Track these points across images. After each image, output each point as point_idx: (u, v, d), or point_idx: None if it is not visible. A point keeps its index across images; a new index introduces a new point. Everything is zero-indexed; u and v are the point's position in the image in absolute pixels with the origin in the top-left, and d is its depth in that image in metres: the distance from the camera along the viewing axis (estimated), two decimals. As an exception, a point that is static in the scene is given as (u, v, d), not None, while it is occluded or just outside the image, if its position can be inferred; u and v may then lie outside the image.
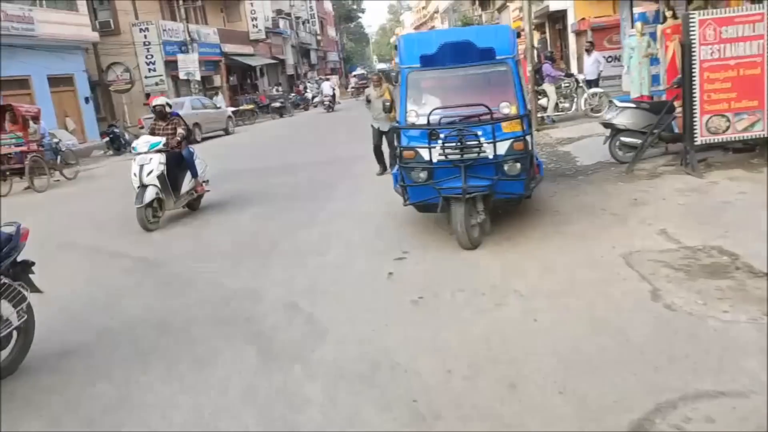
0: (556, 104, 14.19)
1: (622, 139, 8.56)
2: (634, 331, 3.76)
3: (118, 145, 20.37)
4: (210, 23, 33.77)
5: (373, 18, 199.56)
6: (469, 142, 5.50)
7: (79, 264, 6.92)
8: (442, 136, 5.56)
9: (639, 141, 8.32)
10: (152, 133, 8.57)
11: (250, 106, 30.65)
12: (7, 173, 13.35)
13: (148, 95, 26.45)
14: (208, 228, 8.02)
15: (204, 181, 9.11)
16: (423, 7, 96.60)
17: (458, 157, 5.53)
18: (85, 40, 22.87)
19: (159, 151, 8.07)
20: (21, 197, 12.71)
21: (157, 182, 7.92)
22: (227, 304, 5.12)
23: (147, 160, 7.99)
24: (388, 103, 7.61)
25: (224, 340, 4.36)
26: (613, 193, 7.21)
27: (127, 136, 21.02)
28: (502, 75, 5.98)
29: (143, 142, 8.26)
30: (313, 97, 37.37)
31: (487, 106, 5.58)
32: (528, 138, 5.67)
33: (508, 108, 5.69)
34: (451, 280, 5.00)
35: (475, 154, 5.52)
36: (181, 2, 28.82)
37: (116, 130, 20.82)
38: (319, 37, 58.76)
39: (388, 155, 9.94)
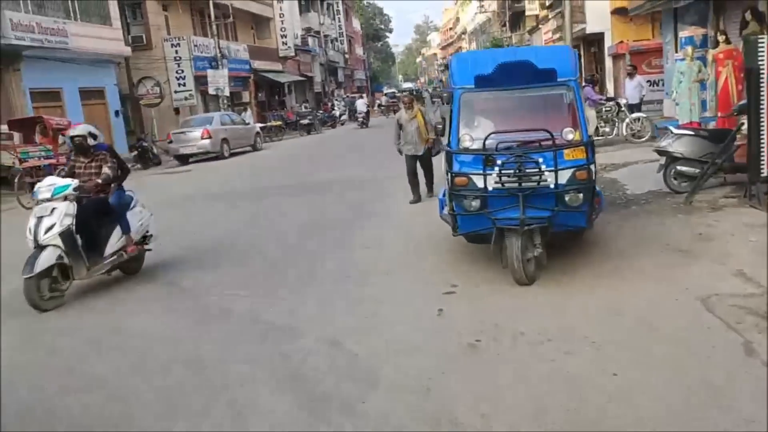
0: (597, 128, 13.71)
1: (679, 167, 8.06)
2: (735, 395, 3.26)
3: (146, 158, 20.38)
4: (240, 40, 34.00)
5: (399, 38, 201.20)
6: (528, 170, 5.07)
7: (108, 289, 6.57)
8: (498, 162, 5.13)
9: (697, 170, 7.82)
10: (70, 172, 6.40)
11: (278, 123, 30.62)
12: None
13: (177, 110, 26.60)
14: (235, 250, 7.62)
15: (146, 235, 6.84)
16: (450, 28, 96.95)
17: (516, 185, 5.10)
18: (117, 54, 22.95)
19: (74, 198, 6.00)
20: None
21: (59, 242, 5.75)
22: (263, 338, 4.71)
23: (48, 210, 5.81)
24: (440, 126, 7.18)
25: (260, 384, 3.94)
26: (674, 226, 6.71)
27: (155, 150, 21.04)
28: (563, 98, 5.59)
29: (46, 185, 6.02)
30: (341, 115, 37.38)
31: (549, 132, 5.16)
32: (592, 167, 5.22)
33: (572, 134, 5.24)
34: (509, 320, 4.54)
35: (535, 183, 5.08)
36: (212, 19, 28.96)
37: (144, 143, 20.80)
38: (346, 56, 58.95)
39: (423, 181, 9.54)
